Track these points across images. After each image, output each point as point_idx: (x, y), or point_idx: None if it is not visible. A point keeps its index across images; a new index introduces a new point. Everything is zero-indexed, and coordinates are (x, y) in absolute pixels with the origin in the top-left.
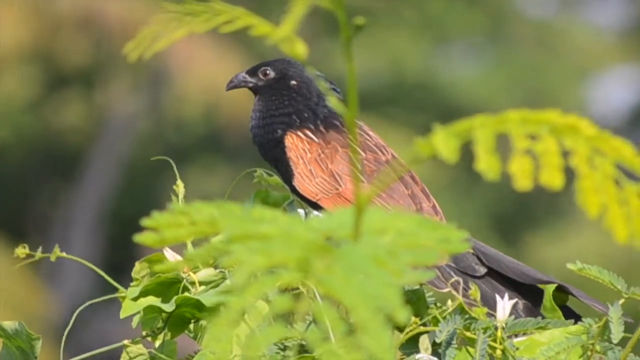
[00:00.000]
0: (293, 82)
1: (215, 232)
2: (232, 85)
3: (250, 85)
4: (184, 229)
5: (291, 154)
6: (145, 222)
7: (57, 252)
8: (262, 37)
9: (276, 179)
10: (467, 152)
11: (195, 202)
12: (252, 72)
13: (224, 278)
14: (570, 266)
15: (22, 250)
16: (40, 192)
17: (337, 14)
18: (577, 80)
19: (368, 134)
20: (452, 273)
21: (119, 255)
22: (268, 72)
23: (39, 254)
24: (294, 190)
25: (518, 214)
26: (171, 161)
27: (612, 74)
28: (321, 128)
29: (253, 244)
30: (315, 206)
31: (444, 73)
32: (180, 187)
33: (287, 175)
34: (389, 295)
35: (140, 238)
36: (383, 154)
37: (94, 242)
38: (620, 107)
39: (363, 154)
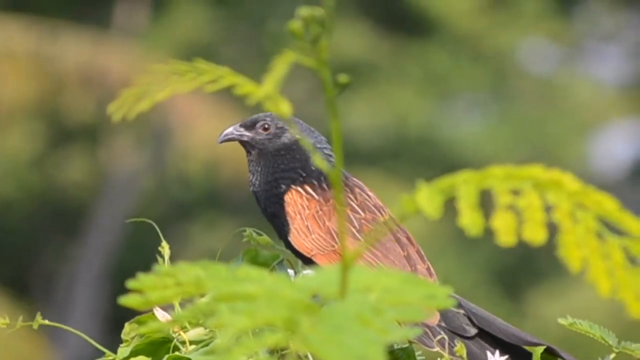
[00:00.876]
0: (297, 136)
1: (201, 293)
2: (227, 138)
3: (246, 139)
4: (169, 290)
5: (289, 209)
6: (130, 284)
7: (39, 320)
8: (246, 96)
9: (266, 238)
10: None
11: (180, 263)
12: (249, 125)
13: (213, 337)
14: (561, 321)
15: (2, 321)
16: (45, 247)
17: (321, 72)
18: (578, 134)
19: (368, 195)
20: (443, 333)
21: (123, 310)
22: (268, 126)
23: (19, 323)
24: (289, 245)
25: (520, 268)
26: (153, 223)
27: (613, 129)
28: (323, 185)
29: (238, 305)
30: (310, 262)
31: (447, 128)
32: (165, 248)
33: (283, 230)
34: (372, 355)
35: (125, 300)
36: (381, 214)
37: (98, 297)
38: (622, 160)
39: (362, 214)
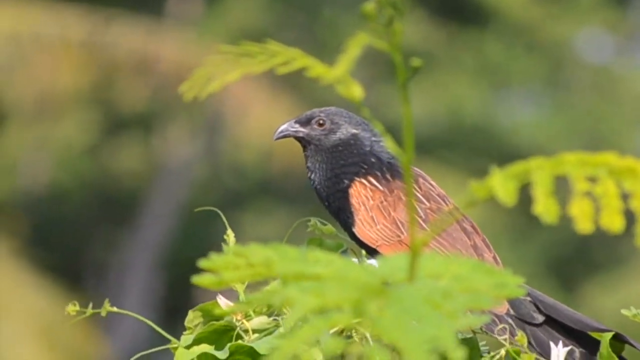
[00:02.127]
0: (353, 130)
1: (271, 275)
2: (282, 135)
3: (302, 135)
4: (241, 271)
5: (353, 200)
6: (202, 263)
7: (107, 307)
8: (318, 78)
9: (330, 228)
10: (524, 196)
11: (252, 244)
12: (304, 121)
13: (277, 326)
14: (624, 312)
15: (72, 308)
16: (98, 237)
17: (394, 55)
18: (634, 125)
19: (431, 184)
20: (510, 320)
21: (177, 299)
22: (323, 122)
23: (89, 310)
24: (353, 237)
25: (576, 259)
26: (219, 211)
27: None
28: (387, 175)
29: (306, 285)
30: (375, 253)
31: (502, 118)
32: (230, 236)
33: (347, 222)
34: (443, 336)
35: (198, 280)
36: (446, 204)
37: (151, 286)
38: None
39: (427, 203)
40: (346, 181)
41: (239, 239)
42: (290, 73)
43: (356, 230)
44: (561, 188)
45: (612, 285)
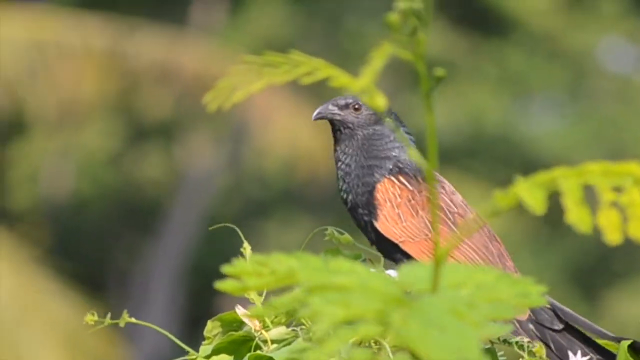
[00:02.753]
0: (389, 121)
1: (294, 283)
2: (320, 116)
3: (338, 117)
4: (264, 278)
5: (379, 195)
6: (226, 269)
7: (125, 318)
8: (342, 88)
9: (347, 237)
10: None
11: (274, 253)
12: (342, 105)
13: (296, 336)
14: None
15: (91, 318)
16: (120, 245)
17: (417, 65)
18: None
19: (453, 191)
20: (531, 325)
21: (199, 309)
22: (359, 106)
23: (107, 320)
24: (373, 232)
25: (598, 268)
26: (235, 227)
27: None
28: (418, 177)
29: (331, 295)
30: (395, 248)
31: (524, 127)
32: (247, 249)
33: (369, 218)
34: (468, 347)
35: (221, 285)
36: (469, 212)
37: (174, 296)
38: None
39: (455, 209)
40: (377, 175)
41: (263, 248)
42: (313, 83)
43: (379, 225)
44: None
45: (635, 294)
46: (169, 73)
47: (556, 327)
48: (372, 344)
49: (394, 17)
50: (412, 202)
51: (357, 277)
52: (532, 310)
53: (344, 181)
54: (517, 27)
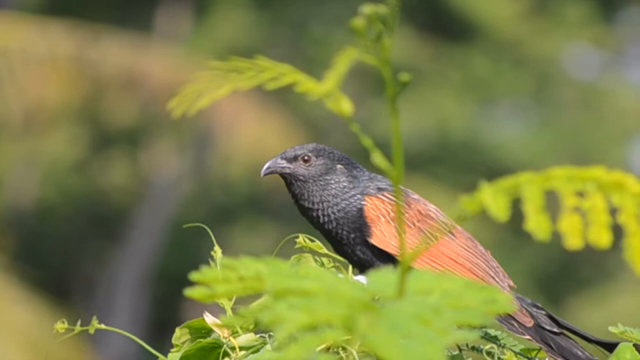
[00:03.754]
0: (338, 165)
1: (262, 289)
2: (269, 171)
3: (288, 171)
4: (232, 285)
5: (370, 214)
6: (194, 276)
7: (95, 325)
8: (307, 93)
9: (318, 244)
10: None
11: (243, 257)
12: (290, 158)
13: (264, 343)
14: (612, 329)
15: (61, 326)
16: (86, 252)
17: (383, 70)
18: (620, 141)
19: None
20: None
21: (165, 314)
22: (308, 158)
23: (77, 327)
24: (369, 248)
25: (562, 275)
26: (207, 227)
27: None
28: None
29: (295, 301)
30: (393, 263)
31: (489, 133)
32: (218, 252)
33: (361, 236)
34: (433, 354)
35: (190, 292)
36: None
37: (140, 302)
38: None
39: (445, 219)
40: (359, 202)
41: (227, 254)
42: (279, 89)
43: (374, 240)
44: (549, 203)
45: (598, 300)
46: (134, 80)
47: (555, 330)
48: (340, 351)
49: (359, 22)
50: (407, 215)
51: (324, 282)
52: (532, 315)
53: (329, 224)
54: (482, 33)
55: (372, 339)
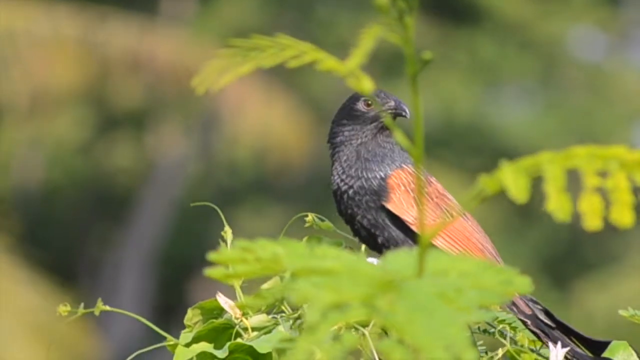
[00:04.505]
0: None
1: (280, 269)
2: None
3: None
4: (249, 265)
5: (391, 180)
6: (212, 256)
7: (100, 306)
8: (328, 71)
9: (328, 224)
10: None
11: (259, 239)
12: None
13: (276, 324)
14: (622, 312)
15: (64, 309)
16: (91, 234)
17: (405, 48)
18: (626, 123)
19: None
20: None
21: (170, 297)
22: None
23: (81, 309)
24: (387, 214)
25: (567, 258)
26: (217, 208)
27: None
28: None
29: (319, 280)
30: (406, 233)
31: (495, 116)
32: (228, 233)
33: (378, 202)
34: (455, 332)
35: (210, 272)
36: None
37: (145, 284)
38: None
39: (455, 201)
40: (386, 166)
41: (234, 236)
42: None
43: (391, 206)
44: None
45: (604, 283)
46: (140, 62)
47: (551, 324)
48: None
49: (382, 0)
50: (426, 189)
51: (343, 261)
52: (529, 307)
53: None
54: (488, 16)
55: (393, 318)
